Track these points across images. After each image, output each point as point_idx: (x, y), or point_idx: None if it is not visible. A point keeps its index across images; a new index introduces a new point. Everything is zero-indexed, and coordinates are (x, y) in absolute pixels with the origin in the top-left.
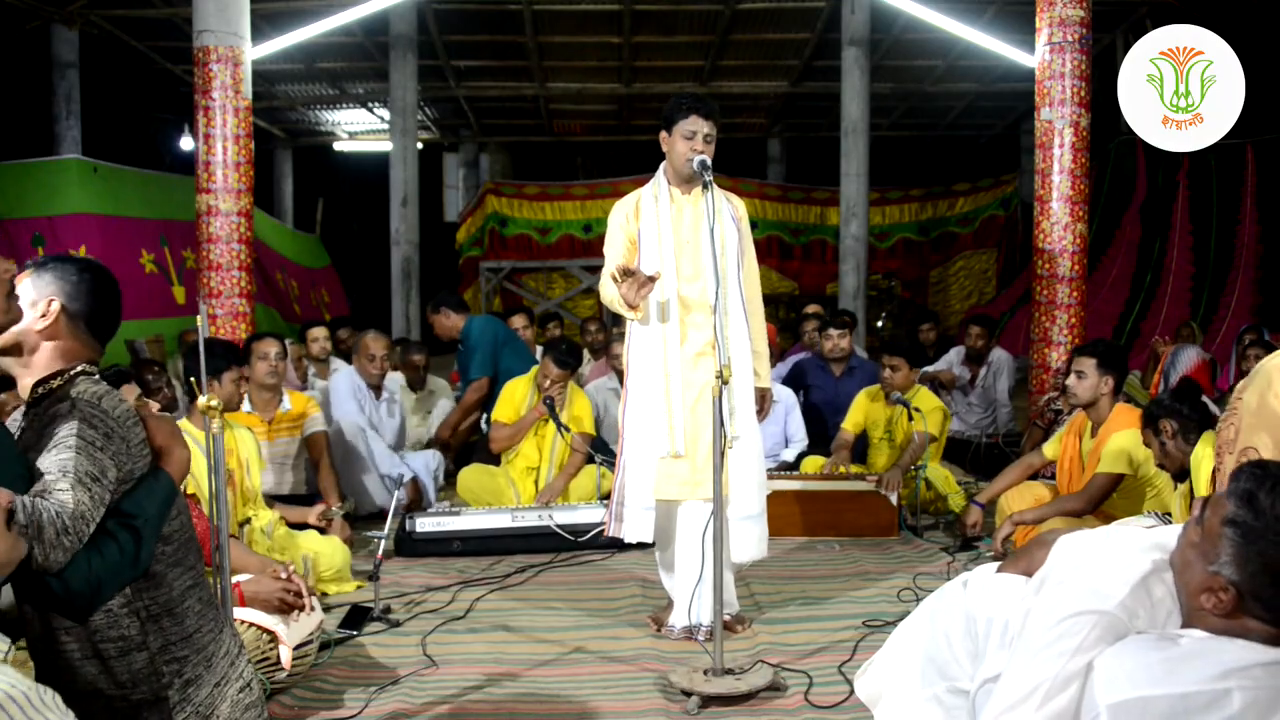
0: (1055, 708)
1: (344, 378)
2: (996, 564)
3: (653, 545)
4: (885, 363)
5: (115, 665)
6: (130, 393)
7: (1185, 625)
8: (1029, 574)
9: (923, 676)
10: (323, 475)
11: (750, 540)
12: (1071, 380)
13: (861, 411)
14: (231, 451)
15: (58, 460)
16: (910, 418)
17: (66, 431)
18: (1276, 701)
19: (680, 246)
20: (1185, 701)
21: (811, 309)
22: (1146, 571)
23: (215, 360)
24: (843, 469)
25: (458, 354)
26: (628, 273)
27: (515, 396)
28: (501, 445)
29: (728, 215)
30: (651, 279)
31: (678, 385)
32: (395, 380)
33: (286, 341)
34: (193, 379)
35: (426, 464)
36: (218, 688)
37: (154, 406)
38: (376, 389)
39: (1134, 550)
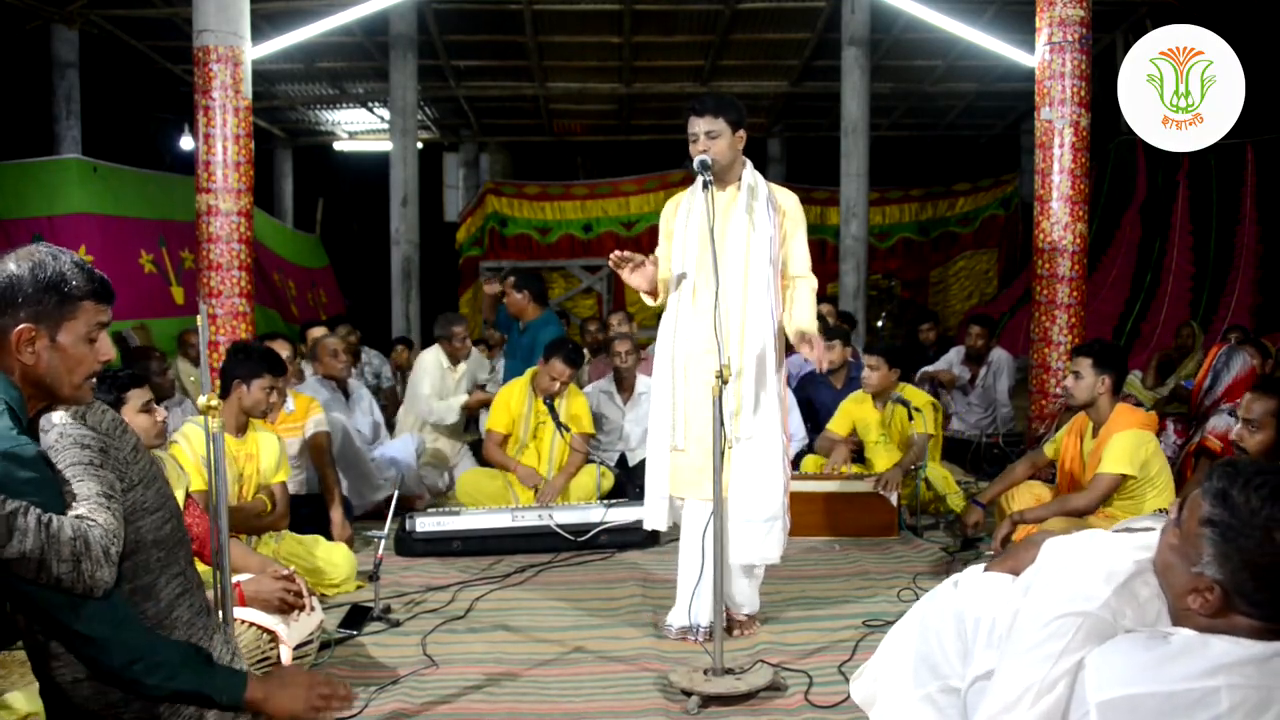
0: (1045, 707)
1: (310, 386)
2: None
3: (655, 541)
4: (865, 362)
5: (107, 685)
6: (140, 396)
7: (1174, 624)
8: (1016, 573)
9: (915, 677)
10: (325, 475)
11: (751, 542)
12: (1069, 381)
13: (848, 416)
14: (252, 456)
15: (71, 492)
16: (910, 417)
17: (64, 462)
18: (1266, 702)
19: (702, 239)
20: (1173, 700)
21: (825, 309)
22: (1131, 573)
23: (251, 364)
24: (843, 469)
25: (513, 335)
26: (625, 258)
27: (511, 405)
28: (493, 460)
29: (762, 212)
30: (641, 264)
31: (682, 379)
32: (359, 384)
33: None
34: (218, 381)
35: (406, 448)
36: None
37: (159, 414)
38: (345, 392)
39: (1119, 552)
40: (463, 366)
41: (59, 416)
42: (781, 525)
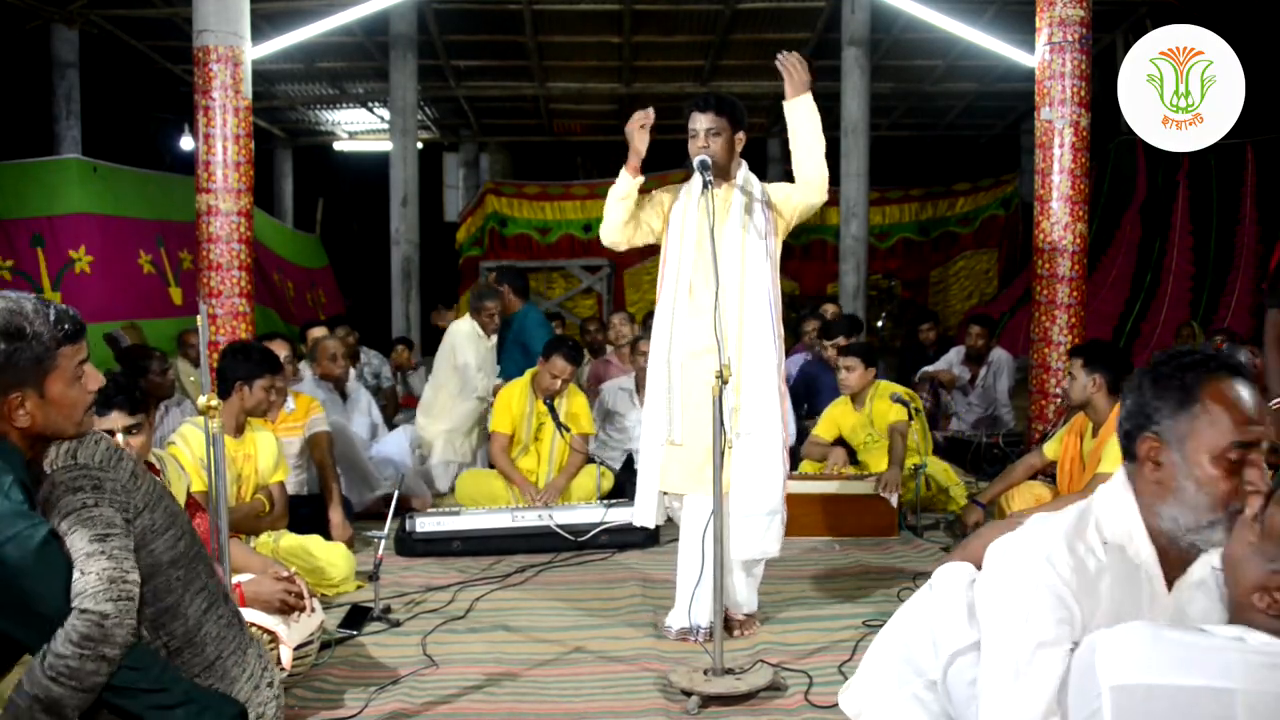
0: (1034, 686)
1: (307, 387)
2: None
3: (655, 541)
4: (841, 364)
5: None
6: (119, 421)
7: (1231, 621)
8: (975, 560)
9: (899, 677)
10: (326, 475)
11: (751, 537)
12: (1066, 383)
13: (833, 422)
14: (250, 457)
15: (67, 551)
16: (910, 417)
17: (60, 514)
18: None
19: (700, 238)
20: (1189, 695)
21: (830, 310)
22: (1071, 547)
23: (250, 366)
24: (842, 470)
25: (501, 333)
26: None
27: (512, 405)
28: (498, 465)
29: (758, 210)
30: (647, 119)
31: (678, 375)
32: (358, 385)
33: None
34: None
35: (401, 446)
36: None
37: (135, 441)
38: (342, 393)
39: (1053, 530)
40: (494, 339)
41: (49, 462)
42: (781, 519)
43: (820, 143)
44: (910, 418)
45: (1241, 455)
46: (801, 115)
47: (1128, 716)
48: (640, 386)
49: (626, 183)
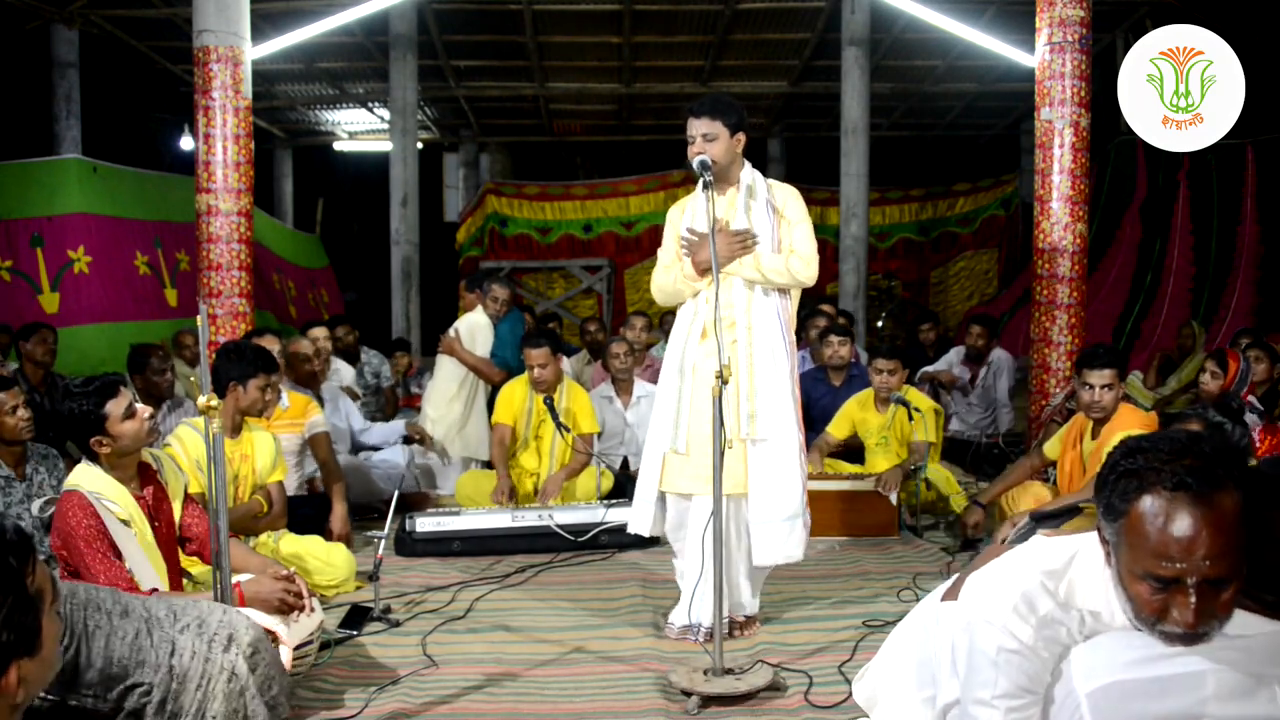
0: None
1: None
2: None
3: (656, 542)
4: (880, 367)
5: None
6: (120, 404)
7: None
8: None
9: (917, 679)
10: (328, 475)
11: (774, 543)
12: (1097, 395)
13: (849, 420)
14: (247, 457)
15: None
16: (910, 418)
17: None
18: (1253, 686)
19: (703, 243)
20: (1161, 684)
21: (825, 309)
22: (1044, 598)
23: (243, 365)
24: (812, 469)
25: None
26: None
27: (514, 401)
28: (494, 457)
29: (760, 213)
30: (698, 239)
31: (689, 380)
32: (334, 388)
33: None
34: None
35: (396, 453)
36: None
37: (144, 412)
38: (318, 398)
39: (1028, 578)
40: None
41: None
42: (802, 523)
43: (783, 274)
44: (910, 419)
45: (1161, 585)
46: (752, 275)
47: (1106, 717)
48: (619, 390)
49: (693, 280)
